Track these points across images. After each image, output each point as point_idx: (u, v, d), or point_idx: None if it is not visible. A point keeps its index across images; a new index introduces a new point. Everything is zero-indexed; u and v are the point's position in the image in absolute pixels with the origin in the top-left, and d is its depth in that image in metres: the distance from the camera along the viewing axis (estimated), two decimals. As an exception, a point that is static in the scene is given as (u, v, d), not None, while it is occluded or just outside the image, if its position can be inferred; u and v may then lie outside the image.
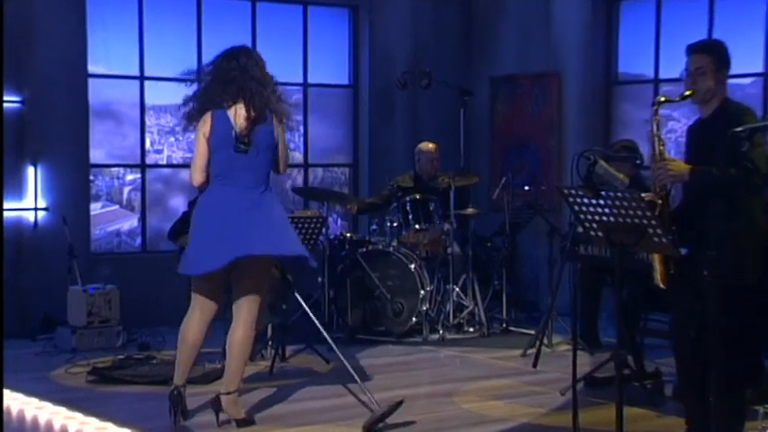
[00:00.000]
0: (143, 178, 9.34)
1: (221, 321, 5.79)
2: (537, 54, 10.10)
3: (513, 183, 8.98)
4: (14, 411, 5.87)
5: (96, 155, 9.08)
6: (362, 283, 8.37)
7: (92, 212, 9.06)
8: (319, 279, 8.40)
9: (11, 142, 8.32)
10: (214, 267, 5.42)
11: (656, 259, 4.72)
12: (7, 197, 8.30)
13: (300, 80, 10.05)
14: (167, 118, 9.26)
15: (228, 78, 5.48)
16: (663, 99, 4.96)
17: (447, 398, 6.38)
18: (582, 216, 4.62)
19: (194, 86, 5.67)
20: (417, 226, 8.52)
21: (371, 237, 8.76)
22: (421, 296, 8.23)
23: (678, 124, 8.77)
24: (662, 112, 4.93)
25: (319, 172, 10.38)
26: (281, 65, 9.69)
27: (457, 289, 8.61)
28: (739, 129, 4.42)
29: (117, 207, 9.32)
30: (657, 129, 4.83)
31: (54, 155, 8.64)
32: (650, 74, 9.42)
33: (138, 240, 9.39)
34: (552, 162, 9.92)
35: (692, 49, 4.90)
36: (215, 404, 5.55)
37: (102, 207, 9.24)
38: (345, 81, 10.40)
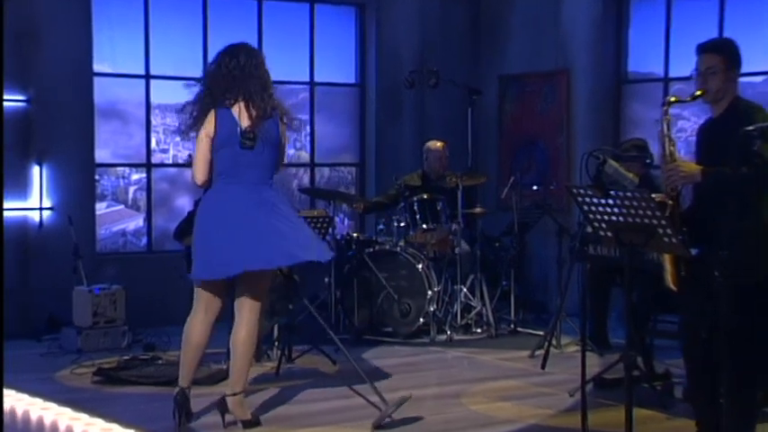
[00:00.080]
0: (149, 178, 9.32)
1: (224, 321, 5.75)
2: (546, 52, 10.05)
3: (522, 182, 8.95)
4: (19, 412, 5.85)
5: (102, 154, 9.07)
6: (369, 283, 8.34)
7: (97, 212, 9.04)
8: (326, 279, 8.37)
9: (16, 141, 8.32)
10: (227, 274, 5.40)
11: (667, 260, 4.69)
12: (12, 197, 8.30)
13: (307, 79, 10.03)
14: (173, 117, 9.22)
15: (229, 77, 5.45)
16: (673, 99, 4.93)
17: (455, 399, 6.35)
18: (591, 216, 4.60)
19: (196, 89, 5.64)
20: (425, 226, 8.49)
21: (378, 237, 8.73)
22: (428, 297, 8.20)
23: (688, 123, 8.72)
24: (672, 111, 4.88)
25: (326, 171, 10.35)
26: (288, 64, 9.74)
27: (465, 289, 8.57)
28: (751, 127, 4.41)
29: (122, 207, 9.31)
30: (668, 129, 4.80)
31: (59, 154, 8.62)
32: (660, 72, 9.37)
33: (144, 240, 9.37)
34: (561, 161, 9.88)
35: (703, 49, 4.86)
36: (221, 405, 5.53)
37: (108, 207, 9.22)
38: (352, 80, 10.37)
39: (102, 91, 8.98)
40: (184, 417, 5.52)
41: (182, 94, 6.04)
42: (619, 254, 5.69)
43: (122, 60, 9.10)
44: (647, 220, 4.37)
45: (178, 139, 9.20)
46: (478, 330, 8.54)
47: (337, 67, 10.27)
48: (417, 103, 10.26)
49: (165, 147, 9.42)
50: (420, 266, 8.26)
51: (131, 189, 9.32)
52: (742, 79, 4.93)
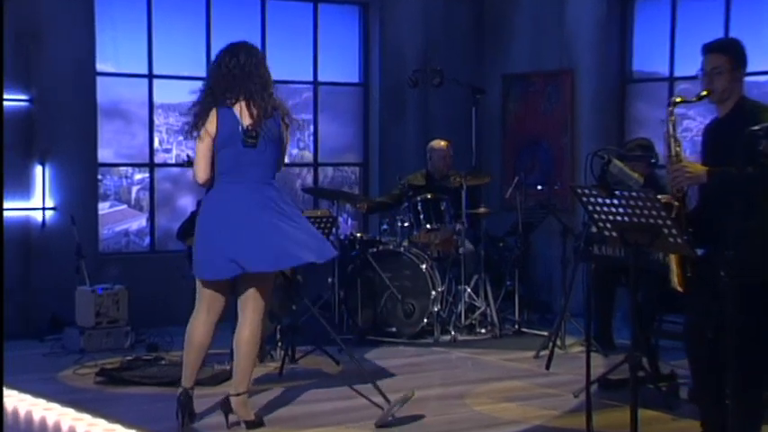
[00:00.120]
0: (151, 177, 9.30)
1: (228, 322, 5.74)
2: (550, 51, 10.02)
3: (526, 182, 8.93)
4: (22, 413, 5.84)
5: (104, 154, 9.05)
6: (373, 283, 8.32)
7: (100, 212, 9.02)
8: (329, 279, 8.35)
9: (19, 141, 8.31)
10: (229, 274, 5.39)
11: (673, 261, 4.67)
12: (15, 196, 8.29)
13: (310, 78, 10.01)
14: (176, 117, 9.22)
15: (230, 76, 5.43)
16: (678, 99, 4.92)
17: (459, 400, 6.33)
18: (596, 216, 4.59)
19: (197, 92, 5.64)
20: (428, 226, 8.47)
21: (382, 237, 8.71)
22: (432, 297, 8.18)
23: (694, 123, 8.69)
24: (677, 111, 4.87)
25: (329, 171, 10.33)
26: (291, 63, 9.74)
27: (469, 290, 8.55)
28: (756, 127, 4.40)
29: (125, 207, 9.29)
30: (673, 129, 4.79)
31: (62, 154, 8.60)
32: (665, 72, 9.34)
33: (147, 240, 9.35)
34: (565, 161, 9.85)
35: (708, 49, 4.85)
36: (224, 406, 5.52)
37: (111, 206, 9.21)
38: (356, 79, 10.35)
39: (105, 90, 8.96)
40: (187, 417, 5.51)
41: (185, 94, 6.04)
42: (624, 254, 5.68)
43: (125, 60, 9.08)
44: (652, 220, 4.35)
45: (181, 138, 9.21)
46: (482, 331, 8.51)
47: (341, 66, 10.25)
48: (421, 102, 10.24)
49: (168, 146, 9.40)
50: (424, 266, 8.24)
51: (134, 189, 9.31)
52: (748, 79, 4.91)
